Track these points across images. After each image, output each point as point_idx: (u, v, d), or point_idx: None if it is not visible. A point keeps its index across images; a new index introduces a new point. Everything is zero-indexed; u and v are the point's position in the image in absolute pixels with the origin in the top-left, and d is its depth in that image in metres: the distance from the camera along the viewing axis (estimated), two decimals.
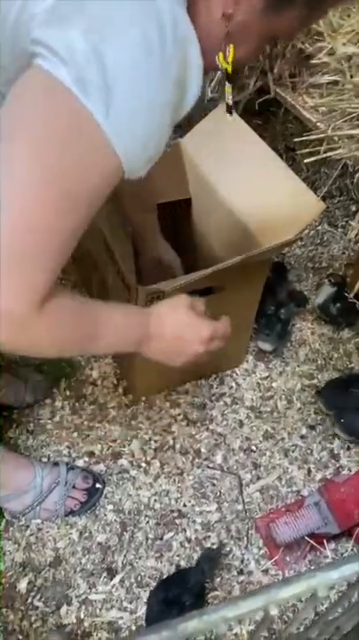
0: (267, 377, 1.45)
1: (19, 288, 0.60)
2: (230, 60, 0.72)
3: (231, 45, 0.71)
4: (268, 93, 1.43)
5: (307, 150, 1.13)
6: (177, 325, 0.84)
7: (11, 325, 0.61)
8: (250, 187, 1.29)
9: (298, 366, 1.47)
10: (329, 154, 1.07)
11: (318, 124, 1.19)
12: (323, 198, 1.92)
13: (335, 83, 1.26)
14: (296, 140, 1.25)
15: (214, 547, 1.13)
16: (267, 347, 1.43)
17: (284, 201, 1.21)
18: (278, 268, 1.59)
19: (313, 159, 1.11)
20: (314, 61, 1.30)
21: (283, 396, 1.41)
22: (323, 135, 1.07)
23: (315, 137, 1.08)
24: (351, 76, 1.21)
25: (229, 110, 0.87)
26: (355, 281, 1.31)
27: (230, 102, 0.86)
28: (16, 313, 0.60)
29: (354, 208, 1.91)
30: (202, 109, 1.97)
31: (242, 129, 1.28)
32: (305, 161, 1.11)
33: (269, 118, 1.85)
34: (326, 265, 1.74)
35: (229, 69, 0.74)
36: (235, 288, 1.24)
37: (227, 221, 1.34)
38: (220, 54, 0.72)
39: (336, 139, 1.11)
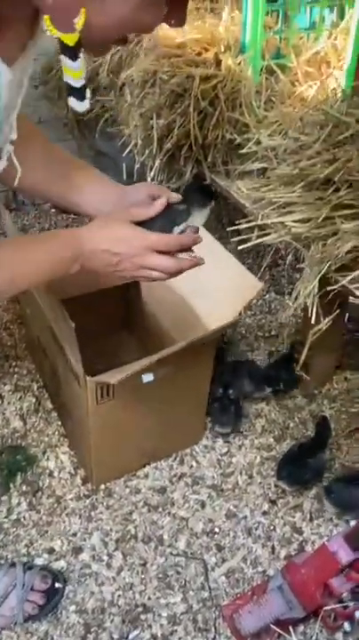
0: (227, 452, 1.46)
1: None
2: (79, 26, 0.61)
3: (83, 9, 0.60)
4: (205, 180, 1.52)
5: (239, 238, 1.19)
6: (110, 240, 0.86)
7: None
8: (195, 271, 1.34)
9: (256, 438, 1.48)
10: (261, 239, 1.12)
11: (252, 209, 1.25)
12: (269, 267, 2.01)
13: (265, 169, 1.35)
14: (228, 229, 1.32)
15: None
16: (225, 430, 1.46)
17: (226, 283, 1.26)
18: (219, 349, 1.63)
19: (246, 245, 1.16)
20: (243, 151, 1.39)
21: (244, 471, 1.41)
22: (253, 224, 1.13)
23: (246, 225, 1.14)
24: (277, 163, 1.29)
25: (71, 94, 0.69)
26: (301, 351, 1.34)
27: (73, 84, 0.68)
28: None
29: (298, 275, 1.98)
30: None
31: None
32: (239, 247, 1.16)
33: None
34: (276, 333, 1.79)
35: (70, 39, 0.62)
36: (187, 368, 1.27)
37: (176, 304, 1.38)
38: (47, 17, 0.60)
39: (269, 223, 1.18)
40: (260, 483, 1.39)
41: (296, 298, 1.13)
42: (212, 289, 1.28)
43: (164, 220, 0.89)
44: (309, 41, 1.59)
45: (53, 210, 2.43)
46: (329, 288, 1.05)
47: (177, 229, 0.91)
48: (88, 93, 0.71)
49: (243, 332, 1.81)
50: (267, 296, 1.93)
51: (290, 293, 1.95)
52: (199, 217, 0.92)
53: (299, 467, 1.30)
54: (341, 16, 1.66)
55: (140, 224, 0.88)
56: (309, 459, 1.30)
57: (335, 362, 1.62)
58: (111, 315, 1.62)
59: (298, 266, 1.22)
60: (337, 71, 1.51)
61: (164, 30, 1.64)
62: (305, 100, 1.38)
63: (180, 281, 1.41)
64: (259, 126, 1.40)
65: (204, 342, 1.21)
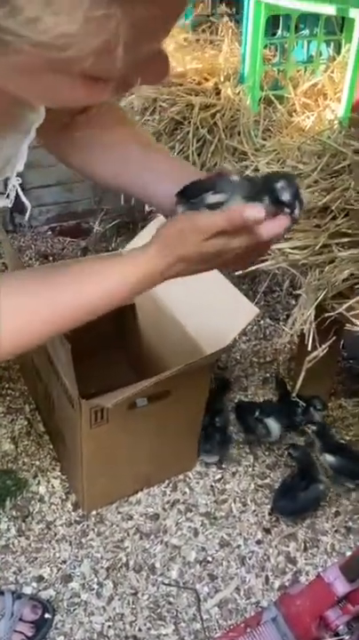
0: (221, 479, 1.44)
1: None
2: None
3: None
4: None
5: None
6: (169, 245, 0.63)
7: None
8: (190, 295, 1.34)
9: (250, 466, 1.47)
10: (259, 265, 1.13)
11: None
12: (264, 293, 2.02)
13: None
14: None
15: None
16: (211, 459, 1.45)
17: (222, 308, 1.26)
18: (220, 380, 1.62)
19: (242, 272, 1.17)
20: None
21: (238, 499, 1.39)
22: None
23: None
24: None
25: None
26: (297, 377, 1.34)
27: None
28: None
29: (294, 301, 1.99)
30: (142, 219, 2.08)
31: None
32: (235, 273, 1.16)
33: None
34: (271, 359, 1.79)
35: None
36: (181, 392, 1.26)
37: (171, 328, 1.38)
38: None
39: None
40: (254, 511, 1.37)
41: (293, 324, 1.13)
42: (207, 313, 1.28)
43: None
44: (307, 73, 1.63)
45: (50, 232, 2.44)
46: (326, 315, 1.06)
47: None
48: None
49: (238, 357, 1.80)
50: (262, 322, 1.94)
51: (285, 320, 1.97)
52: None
53: (292, 499, 1.28)
54: (338, 50, 1.71)
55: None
56: (302, 490, 1.28)
57: (330, 389, 1.62)
58: (105, 333, 1.61)
59: (294, 292, 1.22)
60: (333, 103, 1.54)
61: None
62: (302, 130, 1.40)
63: (175, 304, 1.42)
64: (257, 154, 1.42)
65: (199, 367, 1.21)
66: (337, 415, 1.60)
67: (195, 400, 1.34)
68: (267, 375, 1.72)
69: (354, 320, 1.03)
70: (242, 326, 1.26)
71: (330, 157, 1.16)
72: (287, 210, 0.65)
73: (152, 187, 0.75)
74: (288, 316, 1.96)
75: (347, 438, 1.53)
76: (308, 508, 1.28)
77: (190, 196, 0.67)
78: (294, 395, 1.33)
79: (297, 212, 0.65)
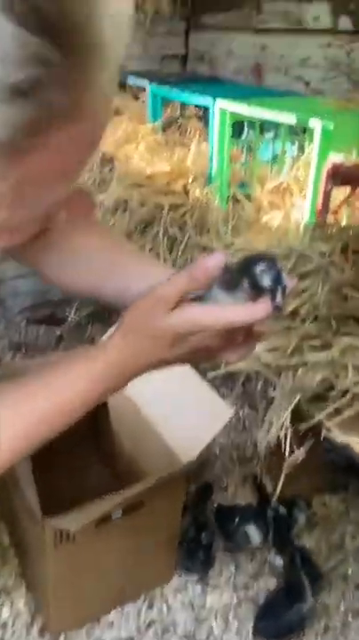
0: (200, 592, 1.33)
1: None
2: None
3: None
4: None
5: (208, 365, 1.17)
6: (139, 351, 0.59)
7: None
8: (164, 395, 1.31)
9: (231, 576, 1.37)
10: (230, 368, 1.11)
11: None
12: (243, 383, 1.99)
13: None
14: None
15: None
16: (190, 577, 1.35)
17: (196, 409, 1.22)
18: (202, 486, 1.55)
19: (216, 373, 1.14)
20: None
21: (219, 616, 1.28)
22: None
23: None
24: None
25: None
26: (277, 478, 1.28)
27: None
28: None
29: (273, 389, 1.96)
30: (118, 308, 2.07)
31: None
32: (208, 375, 1.13)
33: None
34: (251, 454, 1.72)
35: None
36: (156, 503, 1.19)
37: (145, 429, 1.33)
38: None
39: None
40: (237, 628, 1.26)
41: (268, 430, 1.09)
42: (182, 415, 1.24)
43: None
44: (273, 172, 1.69)
45: (24, 321, 2.41)
46: (303, 426, 1.02)
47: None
48: None
49: (217, 452, 1.74)
50: (241, 411, 1.89)
51: (266, 409, 1.93)
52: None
53: (275, 619, 1.19)
54: (302, 149, 1.78)
55: None
56: (286, 609, 1.19)
57: (312, 486, 1.56)
58: (78, 433, 1.55)
59: (269, 395, 1.19)
60: (300, 200, 1.59)
61: (135, 162, 1.74)
62: (270, 229, 1.43)
63: (149, 404, 1.38)
64: (227, 252, 1.44)
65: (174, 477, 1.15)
66: (321, 515, 1.53)
67: (170, 510, 1.27)
68: (249, 472, 1.66)
69: (334, 430, 1.00)
70: (216, 430, 1.22)
71: (297, 259, 1.17)
72: (268, 296, 0.58)
73: (123, 289, 0.71)
74: (268, 404, 1.94)
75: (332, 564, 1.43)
76: (293, 629, 1.18)
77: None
78: (274, 500, 1.27)
79: (279, 298, 0.58)
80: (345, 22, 1.77)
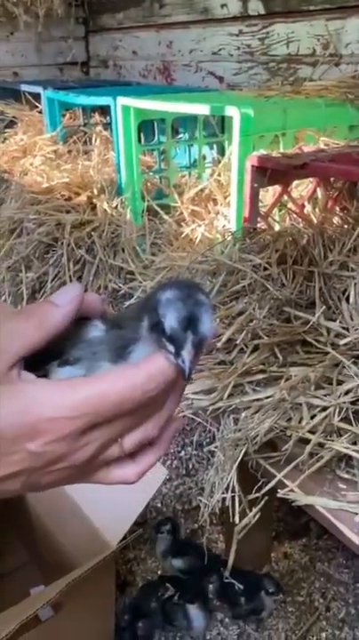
0: None
1: None
2: None
3: None
4: None
5: None
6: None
7: None
8: None
9: None
10: None
11: None
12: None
13: None
14: None
15: None
16: None
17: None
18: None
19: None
20: (131, 302, 1.19)
21: None
22: None
23: None
24: None
25: None
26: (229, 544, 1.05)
27: None
28: None
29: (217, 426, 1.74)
30: None
31: None
32: None
33: None
34: (196, 503, 1.49)
35: None
36: (82, 599, 0.94)
37: (71, 514, 1.09)
38: None
39: None
40: None
41: (210, 494, 0.86)
42: (110, 490, 1.00)
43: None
44: (192, 179, 1.49)
45: None
46: (253, 494, 0.80)
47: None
48: None
49: (159, 504, 1.50)
50: (183, 453, 1.66)
51: (210, 444, 1.71)
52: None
53: None
54: (222, 152, 1.59)
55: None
56: None
57: (270, 537, 1.34)
58: None
59: (206, 449, 0.96)
60: (224, 208, 1.39)
61: (31, 175, 1.49)
62: (193, 242, 1.22)
63: (76, 489, 1.13)
64: (146, 273, 1.22)
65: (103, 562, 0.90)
66: (283, 568, 1.31)
67: (102, 603, 1.01)
68: (196, 526, 1.42)
69: (294, 488, 0.77)
70: (150, 495, 1.00)
71: (226, 276, 0.96)
72: (170, 349, 0.38)
73: None
74: (212, 440, 1.71)
75: (300, 599, 1.23)
76: None
77: (31, 369, 0.41)
78: (227, 574, 1.02)
79: (186, 354, 0.38)
80: (255, 5, 1.59)
